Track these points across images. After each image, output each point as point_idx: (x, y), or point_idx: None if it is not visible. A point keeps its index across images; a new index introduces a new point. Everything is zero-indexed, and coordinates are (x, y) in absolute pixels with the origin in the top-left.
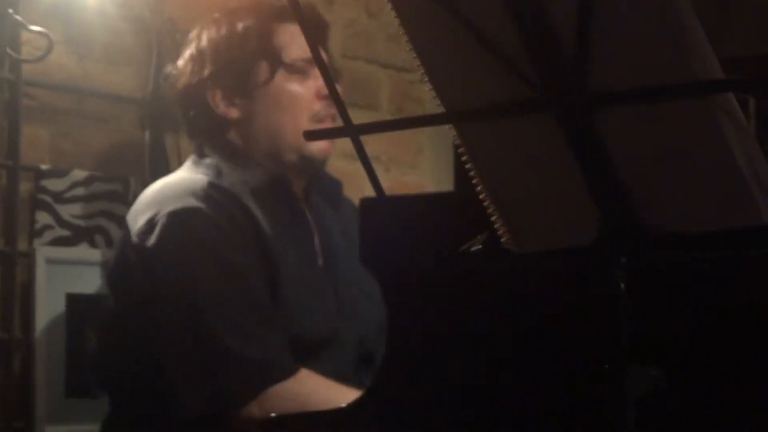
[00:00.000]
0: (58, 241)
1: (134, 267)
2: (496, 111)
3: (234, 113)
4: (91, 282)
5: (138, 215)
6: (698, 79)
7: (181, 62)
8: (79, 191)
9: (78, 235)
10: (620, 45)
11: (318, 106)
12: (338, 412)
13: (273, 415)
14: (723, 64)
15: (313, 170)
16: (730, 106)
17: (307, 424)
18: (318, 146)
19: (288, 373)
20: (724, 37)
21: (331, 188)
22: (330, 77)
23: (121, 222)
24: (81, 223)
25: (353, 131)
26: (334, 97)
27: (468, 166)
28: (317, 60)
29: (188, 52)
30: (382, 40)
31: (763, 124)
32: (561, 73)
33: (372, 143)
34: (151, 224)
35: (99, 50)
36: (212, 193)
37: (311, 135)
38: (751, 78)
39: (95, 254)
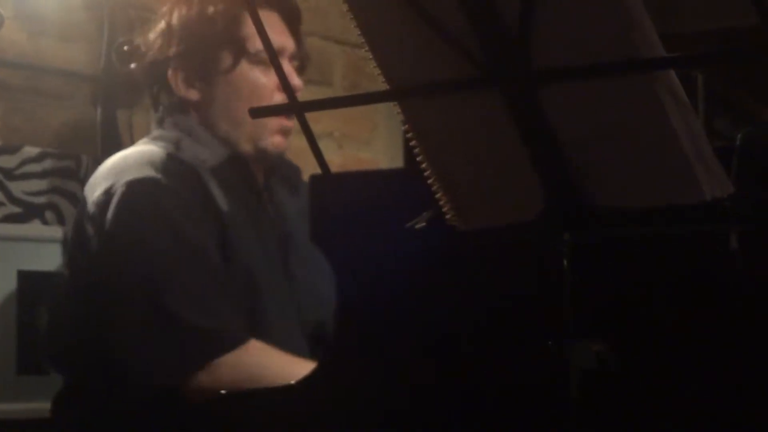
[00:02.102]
0: (9, 218)
1: (91, 237)
2: (441, 88)
3: (194, 95)
4: (42, 259)
5: (95, 186)
6: (640, 55)
7: (151, 35)
8: (31, 168)
9: (29, 212)
10: (563, 22)
11: (279, 99)
12: (287, 389)
13: (223, 392)
14: (669, 40)
15: (268, 162)
16: (672, 83)
17: (255, 401)
18: (273, 141)
19: (238, 342)
20: (671, 14)
21: (290, 173)
22: (280, 66)
23: (73, 199)
24: (33, 200)
25: (298, 108)
26: (280, 77)
27: (413, 143)
28: (266, 44)
29: (159, 26)
30: (336, 16)
31: (711, 101)
32: (504, 49)
33: (326, 120)
34: (108, 194)
35: (51, 26)
36: (171, 164)
37: (257, 112)
38: (691, 54)
39: (47, 231)
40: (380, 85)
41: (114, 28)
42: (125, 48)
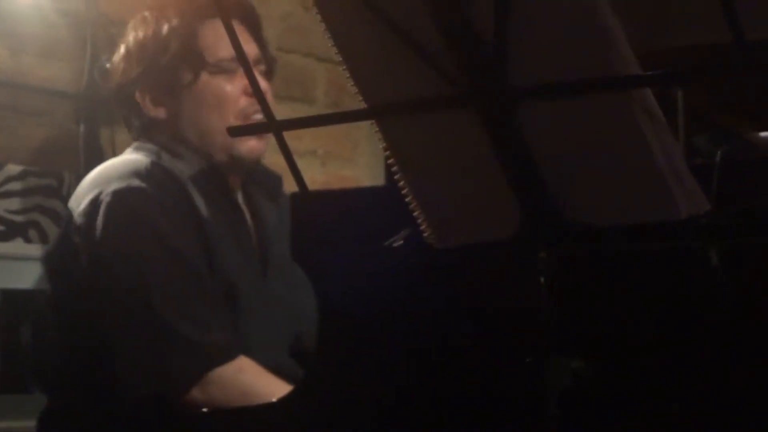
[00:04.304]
0: None
1: (78, 248)
2: (417, 106)
3: (162, 113)
4: (25, 277)
5: (81, 196)
6: (616, 74)
7: (115, 59)
8: (14, 186)
9: (12, 230)
10: (539, 40)
11: (244, 103)
12: (269, 406)
13: (204, 410)
14: (647, 57)
15: (245, 169)
16: (648, 100)
17: (237, 419)
18: (247, 146)
19: (230, 356)
20: (654, 30)
21: (270, 181)
22: (252, 74)
23: (56, 217)
24: (15, 218)
25: (276, 127)
26: (255, 92)
27: (390, 161)
28: (240, 57)
29: (120, 50)
30: (319, 34)
31: (691, 118)
32: (480, 67)
33: (309, 138)
34: (95, 204)
35: (33, 44)
36: (156, 173)
37: (235, 131)
38: (667, 72)
39: (30, 249)
40: (361, 103)
41: (96, 46)
42: (107, 66)
